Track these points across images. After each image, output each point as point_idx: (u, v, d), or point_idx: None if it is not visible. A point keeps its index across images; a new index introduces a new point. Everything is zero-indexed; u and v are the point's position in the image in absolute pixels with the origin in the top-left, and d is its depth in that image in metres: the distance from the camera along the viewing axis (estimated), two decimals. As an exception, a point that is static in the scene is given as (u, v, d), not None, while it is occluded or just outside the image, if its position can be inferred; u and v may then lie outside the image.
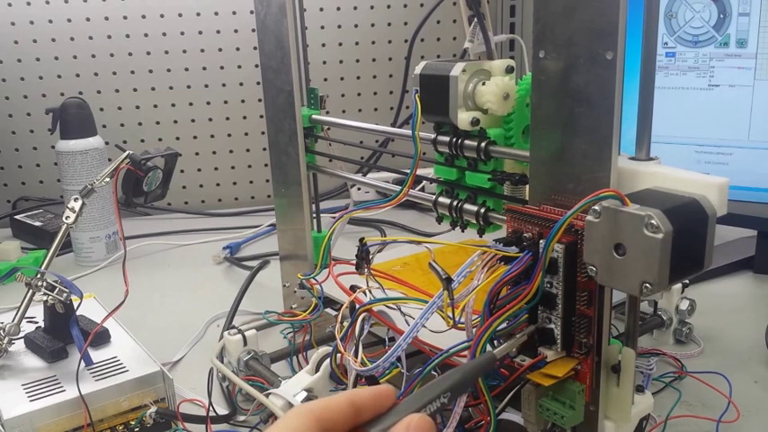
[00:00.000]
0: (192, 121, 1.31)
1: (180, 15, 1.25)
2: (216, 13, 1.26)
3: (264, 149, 1.32)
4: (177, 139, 1.30)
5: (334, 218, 0.59)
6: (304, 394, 0.52)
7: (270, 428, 0.30)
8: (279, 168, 0.73)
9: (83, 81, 1.24)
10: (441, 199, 0.57)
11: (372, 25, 1.32)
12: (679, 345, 0.70)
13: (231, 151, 1.33)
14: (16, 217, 1.16)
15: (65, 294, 0.61)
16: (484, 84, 0.51)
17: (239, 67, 1.29)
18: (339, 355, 0.47)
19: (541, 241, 0.43)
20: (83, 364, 0.58)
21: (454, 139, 0.53)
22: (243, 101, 1.31)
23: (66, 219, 0.66)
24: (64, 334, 0.62)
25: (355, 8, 1.30)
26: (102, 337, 0.64)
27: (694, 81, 0.86)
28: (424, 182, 0.66)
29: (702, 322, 0.72)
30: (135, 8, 1.23)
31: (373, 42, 1.33)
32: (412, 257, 0.70)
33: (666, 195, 0.39)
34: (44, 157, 1.27)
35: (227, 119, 1.31)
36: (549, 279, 0.43)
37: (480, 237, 0.56)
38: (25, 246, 1.08)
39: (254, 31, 0.73)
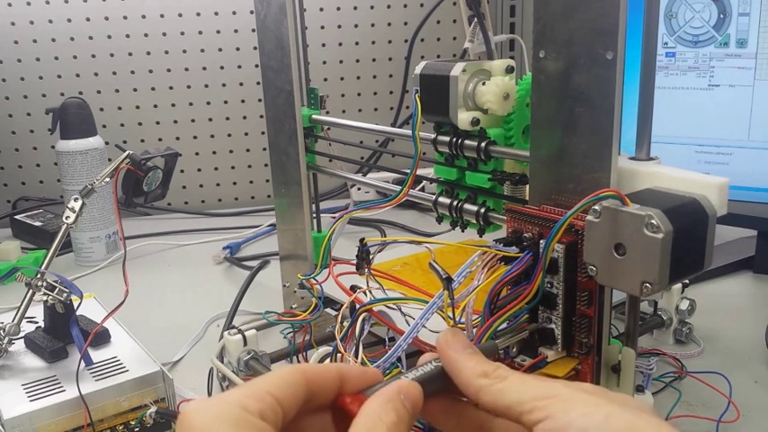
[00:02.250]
0: (192, 121, 1.31)
1: (180, 15, 1.25)
2: (216, 13, 1.26)
3: (264, 149, 1.32)
4: (177, 139, 1.30)
5: (334, 218, 0.59)
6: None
7: (263, 375, 0.30)
8: (279, 168, 0.73)
9: (83, 81, 1.24)
10: (441, 199, 0.57)
11: (372, 25, 1.32)
12: (679, 345, 0.70)
13: (231, 151, 1.33)
14: (16, 217, 1.16)
15: (65, 294, 0.61)
16: (484, 84, 0.51)
17: (239, 67, 1.29)
18: (339, 355, 0.47)
19: (542, 241, 0.43)
20: (83, 364, 0.58)
21: (454, 139, 0.53)
22: (243, 101, 1.31)
23: (66, 219, 0.66)
24: (64, 334, 0.62)
25: (355, 8, 1.30)
26: (102, 337, 0.64)
27: (694, 81, 0.86)
28: (424, 182, 0.66)
29: (702, 322, 0.71)
30: (135, 8, 1.23)
31: (373, 42, 1.33)
32: (412, 257, 0.70)
33: (666, 195, 0.39)
34: (44, 157, 1.27)
35: (227, 119, 1.31)
36: (550, 279, 0.43)
37: (480, 237, 0.56)
38: (25, 246, 1.08)
39: (254, 31, 0.73)
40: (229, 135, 1.32)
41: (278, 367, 0.63)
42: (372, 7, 1.31)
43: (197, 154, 1.32)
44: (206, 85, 1.29)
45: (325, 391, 0.31)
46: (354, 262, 0.51)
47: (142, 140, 1.28)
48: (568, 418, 0.29)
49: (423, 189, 0.61)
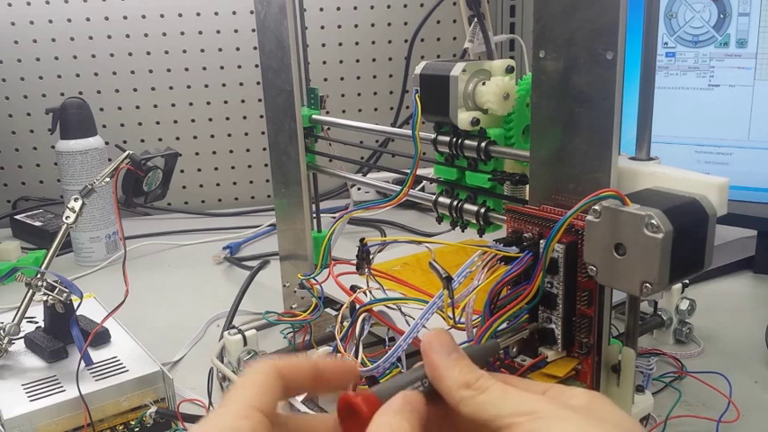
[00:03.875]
0: (192, 121, 1.31)
1: (180, 15, 1.25)
2: (216, 13, 1.26)
3: (264, 149, 1.32)
4: (177, 139, 1.30)
5: (334, 218, 0.59)
6: (304, 394, 0.52)
7: (242, 384, 0.30)
8: (279, 168, 0.73)
9: (83, 81, 1.24)
10: (441, 199, 0.57)
11: (372, 25, 1.32)
12: (679, 345, 0.70)
13: (231, 151, 1.33)
14: (16, 217, 1.16)
15: (65, 294, 0.61)
16: (484, 84, 0.51)
17: (239, 67, 1.29)
18: (339, 355, 0.47)
19: (542, 241, 0.43)
20: (83, 364, 0.58)
21: (454, 139, 0.53)
22: (243, 101, 1.31)
23: (66, 219, 0.66)
24: (64, 334, 0.62)
25: (355, 8, 1.30)
26: (102, 337, 0.64)
27: (694, 81, 0.86)
28: (424, 182, 0.66)
29: (702, 322, 0.71)
30: (135, 8, 1.23)
31: (373, 42, 1.33)
32: (412, 257, 0.70)
33: (666, 195, 0.39)
34: (44, 157, 1.27)
35: (227, 119, 1.31)
36: (550, 279, 0.43)
37: (480, 237, 0.56)
38: (25, 246, 1.08)
39: (254, 31, 0.73)
40: (229, 135, 1.32)
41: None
42: (372, 7, 1.31)
43: (197, 154, 1.32)
44: (206, 85, 1.29)
45: (300, 383, 0.32)
46: (354, 262, 0.51)
47: (142, 140, 1.28)
48: None
49: (423, 189, 0.61)
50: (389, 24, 1.32)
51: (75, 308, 0.63)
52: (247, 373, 0.31)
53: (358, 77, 1.34)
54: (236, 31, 1.27)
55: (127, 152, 0.68)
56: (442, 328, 0.35)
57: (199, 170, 1.33)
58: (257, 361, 0.32)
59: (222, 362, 0.62)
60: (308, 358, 0.33)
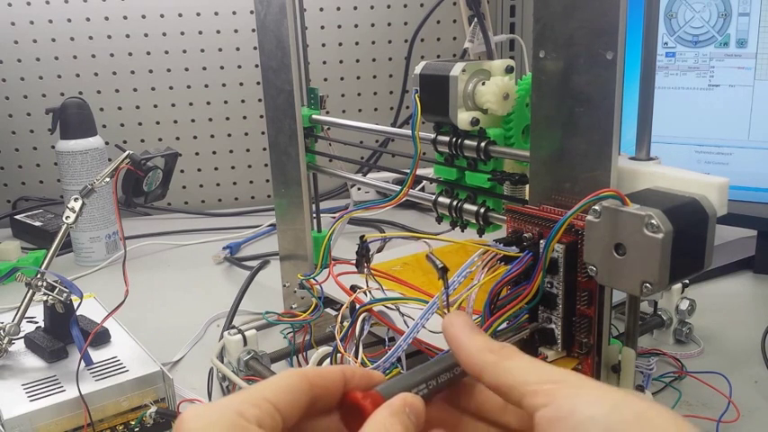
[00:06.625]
0: (192, 121, 1.31)
1: (180, 15, 1.25)
2: (216, 13, 1.26)
3: (264, 149, 1.32)
4: (177, 139, 1.30)
5: (334, 218, 0.59)
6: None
7: (264, 381, 0.30)
8: (279, 168, 0.73)
9: (83, 81, 1.24)
10: (441, 199, 0.57)
11: (372, 25, 1.32)
12: (679, 345, 0.70)
13: (231, 151, 1.33)
14: (16, 217, 1.16)
15: (65, 294, 0.61)
16: (484, 84, 0.51)
17: (239, 67, 1.29)
18: (339, 355, 0.47)
19: (542, 241, 0.43)
20: (83, 364, 0.58)
21: (454, 139, 0.53)
22: (243, 101, 1.31)
23: (66, 219, 0.66)
24: (64, 334, 0.62)
25: (355, 8, 1.30)
26: (102, 337, 0.64)
27: (694, 81, 0.86)
28: (424, 182, 0.66)
29: (702, 322, 0.71)
30: (135, 8, 1.23)
31: (373, 42, 1.33)
32: (412, 257, 0.70)
33: (666, 195, 0.39)
34: (44, 157, 1.27)
35: (227, 119, 1.31)
36: (550, 279, 0.43)
37: (480, 237, 0.56)
38: (25, 246, 1.08)
39: (254, 31, 0.73)
40: (229, 135, 1.32)
41: (279, 368, 0.63)
42: (372, 7, 1.31)
43: (197, 154, 1.32)
44: (206, 85, 1.29)
45: (330, 393, 0.31)
46: (354, 262, 0.51)
47: (142, 140, 1.28)
48: (572, 404, 0.27)
49: (423, 189, 0.61)
50: (389, 24, 1.32)
51: (76, 308, 0.63)
52: (277, 374, 0.31)
53: (358, 77, 1.34)
54: (236, 31, 1.27)
55: (127, 152, 0.68)
56: (460, 311, 0.35)
57: (199, 170, 1.33)
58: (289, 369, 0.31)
59: (222, 362, 0.62)
60: (335, 366, 0.33)
